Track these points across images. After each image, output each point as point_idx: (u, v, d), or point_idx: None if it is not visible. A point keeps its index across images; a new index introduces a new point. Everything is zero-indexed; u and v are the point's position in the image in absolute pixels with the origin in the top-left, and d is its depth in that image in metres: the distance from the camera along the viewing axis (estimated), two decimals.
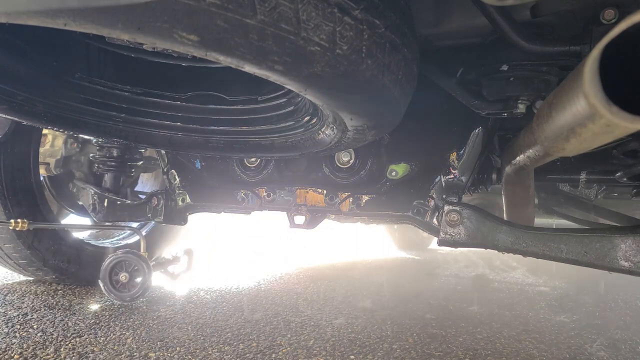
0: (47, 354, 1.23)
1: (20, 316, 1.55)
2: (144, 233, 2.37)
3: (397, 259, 4.20)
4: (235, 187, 1.72)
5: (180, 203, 1.82)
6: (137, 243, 2.35)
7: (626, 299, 2.59)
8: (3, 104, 1.20)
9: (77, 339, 1.36)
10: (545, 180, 1.79)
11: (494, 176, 1.60)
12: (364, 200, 1.55)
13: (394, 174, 1.53)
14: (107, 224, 2.11)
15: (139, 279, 1.84)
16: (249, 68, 0.72)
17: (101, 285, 1.80)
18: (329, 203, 1.59)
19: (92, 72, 1.35)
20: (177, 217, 1.85)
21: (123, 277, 1.82)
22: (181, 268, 2.29)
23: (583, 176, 1.73)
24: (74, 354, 1.24)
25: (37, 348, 1.27)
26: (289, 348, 1.39)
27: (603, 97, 0.52)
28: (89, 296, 1.91)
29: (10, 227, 1.72)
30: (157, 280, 2.30)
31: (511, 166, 1.27)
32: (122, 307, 1.77)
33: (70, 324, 1.51)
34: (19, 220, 1.73)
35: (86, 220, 2.05)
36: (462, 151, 1.43)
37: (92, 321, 1.55)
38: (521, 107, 1.25)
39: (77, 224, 2.25)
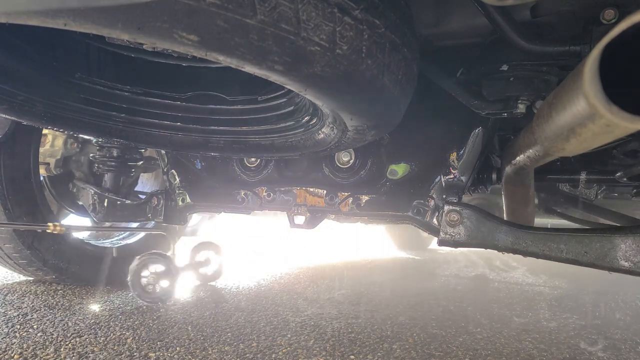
0: (47, 354, 1.23)
1: (20, 316, 1.55)
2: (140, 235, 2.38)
3: (397, 259, 4.20)
4: (235, 187, 1.72)
5: (180, 203, 1.82)
6: (137, 243, 2.35)
7: (626, 299, 2.59)
8: (3, 104, 1.20)
9: (77, 339, 1.36)
10: (545, 180, 1.79)
11: (494, 176, 1.60)
12: (364, 200, 1.55)
13: (394, 174, 1.52)
14: (134, 225, 2.14)
15: (166, 281, 1.85)
16: (249, 68, 0.72)
17: (130, 286, 1.82)
18: (329, 203, 1.59)
19: (92, 72, 1.35)
20: (177, 217, 1.85)
21: (151, 278, 1.83)
22: (212, 268, 2.32)
23: (583, 176, 1.72)
24: (74, 354, 1.24)
25: (37, 348, 1.27)
26: (289, 348, 1.39)
27: (603, 97, 0.52)
28: (89, 296, 1.91)
29: (49, 231, 1.75)
30: (190, 282, 2.31)
31: (511, 166, 1.27)
32: (122, 307, 1.77)
33: (70, 324, 1.51)
34: (56, 223, 1.76)
35: (86, 221, 2.05)
36: (462, 151, 1.43)
37: (92, 321, 1.55)
38: (521, 107, 1.25)
39: (110, 227, 2.29)
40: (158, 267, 1.86)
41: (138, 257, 1.87)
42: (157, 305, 1.81)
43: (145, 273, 1.84)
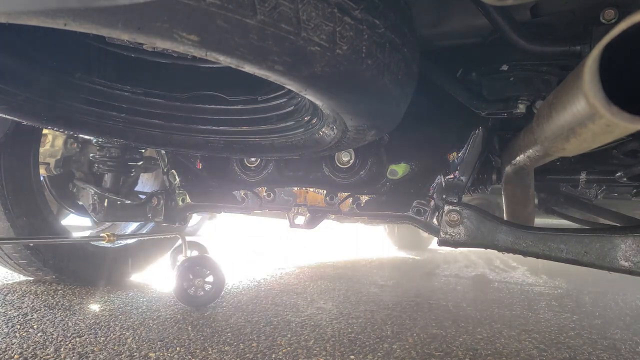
0: (47, 354, 1.23)
1: (20, 316, 1.55)
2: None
3: (397, 258, 4.20)
4: (235, 187, 1.72)
5: (180, 203, 1.82)
6: (136, 243, 2.35)
7: (626, 299, 2.59)
8: (3, 104, 1.20)
9: (77, 339, 1.36)
10: (545, 180, 1.79)
11: (494, 176, 1.60)
12: (364, 200, 1.55)
13: (394, 174, 1.52)
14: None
15: (209, 284, 1.86)
16: (249, 68, 0.72)
17: (173, 289, 1.82)
18: (329, 203, 1.59)
19: (92, 72, 1.35)
20: (177, 217, 1.85)
21: (198, 282, 1.84)
22: None
23: (583, 176, 1.72)
24: (74, 354, 1.24)
25: (37, 348, 1.27)
26: (289, 348, 1.39)
27: (603, 97, 0.52)
28: (89, 296, 1.91)
29: (104, 242, 1.80)
30: (159, 281, 2.31)
31: (511, 166, 1.27)
32: (122, 307, 1.77)
33: (70, 324, 1.51)
34: (110, 233, 1.81)
35: (86, 221, 2.05)
36: (462, 151, 1.43)
37: (92, 321, 1.55)
38: (521, 107, 1.25)
39: (152, 234, 2.29)
40: (201, 270, 1.86)
41: (183, 260, 1.89)
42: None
43: (189, 276, 1.83)
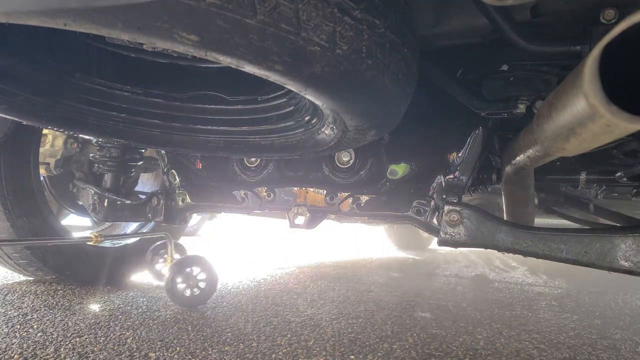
0: (47, 354, 1.23)
1: (20, 316, 1.55)
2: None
3: (397, 258, 4.20)
4: (235, 187, 1.72)
5: (180, 203, 1.82)
6: (136, 243, 2.35)
7: (626, 299, 2.59)
8: (3, 104, 1.20)
9: (77, 339, 1.36)
10: (545, 180, 1.79)
11: (494, 176, 1.60)
12: (364, 200, 1.55)
13: (394, 174, 1.52)
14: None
15: (203, 284, 1.86)
16: (249, 68, 0.72)
17: (165, 290, 1.81)
18: (329, 203, 1.59)
19: (92, 72, 1.35)
20: (177, 217, 1.85)
21: (192, 282, 1.83)
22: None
23: (583, 176, 1.73)
24: (74, 354, 1.24)
25: (37, 348, 1.27)
26: (289, 348, 1.39)
27: (603, 97, 0.52)
28: (89, 296, 1.91)
29: (92, 243, 1.76)
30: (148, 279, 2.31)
31: (511, 166, 1.27)
32: (122, 307, 1.77)
33: (70, 324, 1.51)
34: (97, 234, 1.77)
35: (86, 221, 2.05)
36: (462, 151, 1.43)
37: (92, 321, 1.55)
38: (521, 107, 1.25)
39: (145, 233, 2.29)
40: (193, 269, 1.85)
41: (176, 261, 1.88)
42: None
43: (180, 275, 1.82)
